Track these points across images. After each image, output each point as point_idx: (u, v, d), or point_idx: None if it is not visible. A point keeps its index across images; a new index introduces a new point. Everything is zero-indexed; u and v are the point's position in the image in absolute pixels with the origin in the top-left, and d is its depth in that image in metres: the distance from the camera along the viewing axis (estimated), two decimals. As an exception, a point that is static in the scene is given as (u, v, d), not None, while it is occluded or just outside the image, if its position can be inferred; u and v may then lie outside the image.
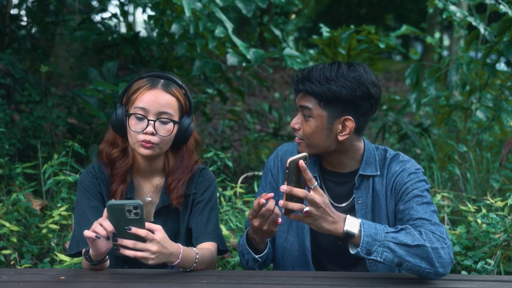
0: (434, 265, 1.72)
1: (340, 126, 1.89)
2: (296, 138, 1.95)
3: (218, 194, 2.41)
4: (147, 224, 1.69)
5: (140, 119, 1.88)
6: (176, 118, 1.92)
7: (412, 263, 1.72)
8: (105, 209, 1.70)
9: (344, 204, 1.98)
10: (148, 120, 1.87)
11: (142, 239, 1.68)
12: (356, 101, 1.85)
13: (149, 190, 2.02)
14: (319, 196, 1.69)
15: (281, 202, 1.67)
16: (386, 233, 1.73)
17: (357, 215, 1.95)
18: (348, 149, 1.95)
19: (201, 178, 2.04)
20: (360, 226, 1.72)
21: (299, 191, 1.66)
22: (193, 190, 2.01)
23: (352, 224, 1.72)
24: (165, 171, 2.02)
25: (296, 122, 1.93)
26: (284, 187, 1.65)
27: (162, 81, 1.93)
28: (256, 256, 1.93)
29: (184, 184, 1.99)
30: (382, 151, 2.00)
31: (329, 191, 2.00)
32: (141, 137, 1.88)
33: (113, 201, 1.66)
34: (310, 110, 1.88)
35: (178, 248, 1.77)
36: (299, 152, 1.92)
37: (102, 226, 1.68)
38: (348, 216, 1.74)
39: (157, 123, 1.88)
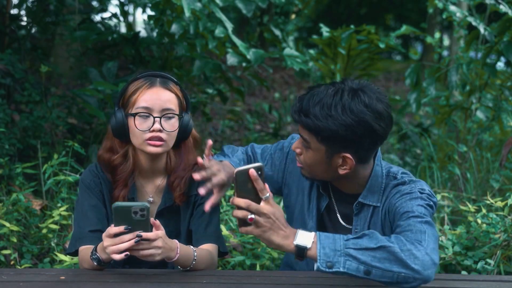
0: (410, 266, 1.52)
1: (340, 161, 1.77)
2: (297, 162, 1.86)
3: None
4: (151, 221, 1.70)
5: (144, 118, 1.89)
6: (178, 113, 1.94)
7: (382, 268, 1.54)
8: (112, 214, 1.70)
9: (350, 227, 1.90)
10: (154, 118, 1.88)
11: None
12: (356, 139, 1.71)
13: (151, 190, 2.02)
14: (269, 207, 1.59)
15: (232, 212, 1.62)
16: (346, 240, 1.57)
17: None
18: (352, 177, 1.83)
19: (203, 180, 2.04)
20: (315, 239, 1.58)
21: (241, 202, 1.59)
22: (195, 191, 2.01)
23: (304, 237, 1.58)
24: (167, 171, 2.02)
25: (297, 146, 1.83)
26: (231, 199, 1.61)
27: (158, 79, 1.94)
28: None
29: (186, 182, 1.99)
30: (391, 178, 1.84)
31: (338, 208, 1.93)
32: (148, 135, 1.88)
33: (119, 203, 1.66)
34: (308, 142, 1.77)
35: (175, 243, 1.78)
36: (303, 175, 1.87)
37: (121, 240, 1.68)
38: (300, 230, 1.61)
39: (162, 120, 1.89)
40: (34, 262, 2.73)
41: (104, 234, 1.71)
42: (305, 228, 1.79)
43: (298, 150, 1.83)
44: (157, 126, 1.88)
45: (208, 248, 1.95)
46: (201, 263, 1.87)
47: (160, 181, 2.02)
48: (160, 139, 1.89)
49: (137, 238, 1.68)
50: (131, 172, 1.99)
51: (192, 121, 2.01)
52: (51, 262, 2.63)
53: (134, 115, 1.89)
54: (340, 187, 1.89)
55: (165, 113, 1.90)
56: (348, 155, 1.74)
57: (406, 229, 1.63)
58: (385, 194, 1.82)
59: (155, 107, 1.89)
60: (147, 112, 1.88)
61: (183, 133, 1.98)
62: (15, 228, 2.63)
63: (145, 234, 1.67)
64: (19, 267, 2.60)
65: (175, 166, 2.00)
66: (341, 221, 1.91)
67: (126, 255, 1.69)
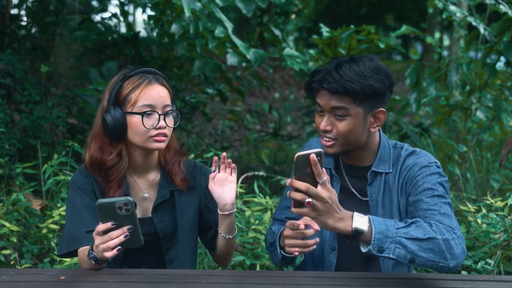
0: (446, 257, 1.69)
1: (372, 119, 1.91)
2: (326, 140, 1.92)
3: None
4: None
5: (149, 115, 1.90)
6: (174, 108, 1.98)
7: (426, 258, 1.69)
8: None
9: (367, 198, 1.99)
10: (159, 115, 1.90)
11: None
12: (386, 92, 1.90)
13: (146, 186, 2.02)
14: (326, 191, 1.66)
15: (289, 193, 1.66)
16: (397, 228, 1.69)
17: (370, 211, 1.95)
18: (370, 142, 1.97)
19: (203, 176, 2.06)
20: (370, 223, 1.69)
21: (301, 185, 1.64)
22: (197, 187, 2.04)
23: (360, 221, 1.68)
24: (160, 164, 2.03)
25: (327, 124, 1.90)
26: (288, 180, 1.65)
27: (151, 75, 1.95)
28: (283, 253, 1.93)
29: (182, 164, 2.02)
30: (399, 149, 2.00)
31: (352, 185, 2.02)
32: (154, 132, 1.90)
33: (102, 200, 1.66)
34: (347, 109, 1.86)
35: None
36: (326, 154, 1.92)
37: (110, 238, 1.69)
38: (355, 213, 1.71)
39: (165, 116, 1.92)
40: (34, 262, 2.73)
41: (94, 233, 1.72)
42: None
43: (329, 127, 1.90)
44: (163, 123, 1.91)
45: None
46: (235, 239, 2.02)
47: (154, 176, 2.03)
48: (165, 135, 1.92)
49: (127, 233, 1.68)
50: (125, 171, 1.99)
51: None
52: (51, 262, 2.63)
53: (140, 113, 1.89)
54: (355, 161, 1.99)
55: (167, 110, 1.93)
56: (382, 109, 1.91)
57: (434, 208, 1.81)
58: (398, 163, 1.96)
59: (158, 104, 1.91)
60: (152, 110, 1.90)
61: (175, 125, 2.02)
62: (15, 228, 2.63)
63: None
64: (19, 267, 2.60)
65: (167, 156, 2.02)
66: (358, 196, 2.00)
67: (118, 250, 1.69)
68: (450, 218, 1.78)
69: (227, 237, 1.99)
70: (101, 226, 1.69)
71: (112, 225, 1.68)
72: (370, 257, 1.97)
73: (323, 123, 1.90)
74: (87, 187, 1.97)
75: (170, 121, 1.94)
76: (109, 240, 1.69)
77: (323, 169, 1.66)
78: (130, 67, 2.01)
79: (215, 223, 2.03)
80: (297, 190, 1.65)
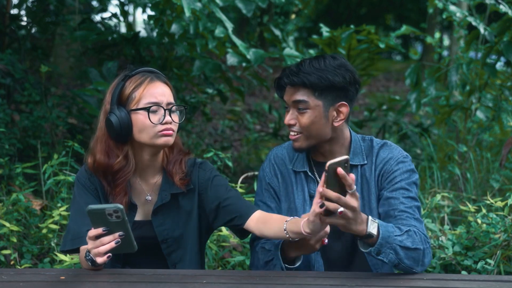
0: (419, 264, 1.85)
1: (334, 113, 1.98)
2: (292, 134, 2.00)
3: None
4: None
5: (155, 112, 1.90)
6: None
7: (407, 264, 1.82)
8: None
9: None
10: (165, 110, 1.91)
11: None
12: (347, 86, 1.96)
13: (149, 189, 2.02)
14: (355, 200, 1.70)
15: (317, 200, 1.67)
16: (395, 235, 1.81)
17: None
18: (339, 137, 2.03)
19: (202, 172, 2.04)
20: (378, 228, 1.78)
21: (333, 195, 1.66)
22: (191, 186, 2.02)
23: (373, 226, 1.78)
24: (163, 166, 2.02)
25: (291, 118, 1.99)
26: (319, 189, 1.66)
27: (153, 74, 1.96)
28: (286, 266, 1.95)
29: (184, 163, 2.01)
30: (368, 141, 2.08)
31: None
32: (161, 127, 1.90)
33: (92, 206, 1.67)
34: (306, 102, 1.95)
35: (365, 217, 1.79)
36: (295, 149, 2.00)
37: (101, 243, 1.69)
38: (370, 217, 1.79)
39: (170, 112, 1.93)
40: (34, 262, 2.73)
41: (86, 237, 1.73)
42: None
43: (293, 121, 1.98)
44: (169, 118, 1.91)
45: (261, 214, 1.93)
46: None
47: (157, 179, 2.02)
48: (172, 130, 1.93)
49: (118, 239, 1.68)
50: (132, 174, 1.98)
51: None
52: (51, 262, 2.63)
53: (146, 109, 1.89)
54: (327, 157, 2.01)
55: (171, 106, 1.93)
56: (344, 103, 1.97)
57: (409, 211, 1.93)
58: (372, 154, 2.04)
59: (163, 101, 1.92)
60: (158, 105, 1.90)
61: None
62: (15, 228, 2.63)
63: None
64: (19, 267, 2.60)
65: (170, 156, 2.02)
66: None
67: (108, 257, 1.70)
68: (422, 223, 1.92)
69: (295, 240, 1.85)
70: (92, 232, 1.70)
71: (103, 231, 1.68)
72: (352, 257, 2.03)
73: (287, 117, 1.99)
74: (91, 185, 1.97)
75: (175, 117, 1.95)
76: (101, 245, 1.69)
77: (353, 177, 1.68)
78: (131, 67, 2.01)
79: (235, 209, 1.95)
80: (328, 199, 1.67)
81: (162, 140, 1.91)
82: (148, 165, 1.99)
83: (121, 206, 1.65)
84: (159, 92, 1.92)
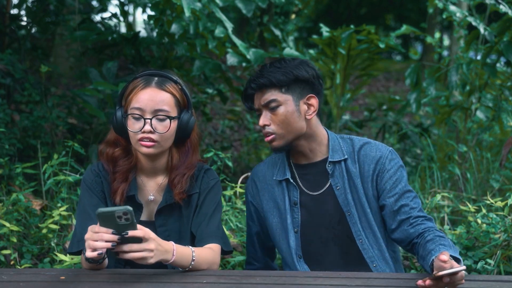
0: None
1: (305, 106, 2.04)
2: (268, 136, 2.05)
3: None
4: (138, 227, 1.67)
5: (137, 119, 1.90)
6: (173, 114, 1.92)
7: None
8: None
9: (318, 192, 2.08)
10: (145, 119, 1.88)
11: (138, 241, 1.67)
12: (311, 79, 2.04)
13: (153, 188, 2.02)
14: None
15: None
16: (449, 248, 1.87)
17: (339, 200, 2.06)
18: (315, 134, 2.08)
19: (205, 178, 2.04)
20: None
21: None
22: (196, 189, 2.01)
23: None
24: (168, 169, 2.02)
25: (264, 120, 2.03)
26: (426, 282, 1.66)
27: (156, 79, 1.93)
28: None
29: (187, 180, 1.99)
30: (348, 140, 2.12)
31: (305, 182, 2.10)
32: (140, 136, 1.88)
33: (102, 209, 1.65)
34: (276, 100, 2.01)
35: (171, 245, 1.77)
36: (273, 150, 2.06)
37: (100, 238, 1.66)
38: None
39: (154, 121, 1.89)
40: (34, 262, 2.73)
41: (89, 227, 1.68)
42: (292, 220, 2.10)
43: (267, 122, 2.03)
44: (147, 127, 1.88)
45: (211, 247, 1.94)
46: (201, 263, 1.86)
47: (162, 180, 2.02)
48: (151, 140, 1.89)
49: (114, 242, 1.64)
50: (132, 167, 2.00)
51: (194, 119, 2.00)
52: (51, 262, 2.63)
53: (128, 115, 1.92)
54: (307, 158, 2.09)
55: (156, 114, 1.89)
56: (312, 95, 2.05)
57: (421, 214, 2.02)
58: (354, 151, 2.08)
59: (147, 108, 1.89)
60: (139, 114, 1.89)
61: (183, 131, 1.96)
62: (15, 228, 2.63)
63: (131, 232, 1.63)
64: (19, 267, 2.60)
65: (177, 163, 2.00)
66: (307, 191, 2.10)
67: (98, 254, 1.65)
68: (431, 220, 2.01)
69: (186, 269, 1.87)
70: (101, 229, 1.65)
71: (112, 233, 1.65)
72: (347, 256, 2.07)
73: (261, 119, 2.04)
74: (97, 187, 1.98)
75: (161, 126, 1.89)
76: (98, 239, 1.65)
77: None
78: (151, 68, 2.01)
79: (200, 230, 1.98)
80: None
81: (142, 149, 1.91)
82: (149, 166, 2.00)
83: (130, 208, 1.63)
84: (146, 98, 1.89)
